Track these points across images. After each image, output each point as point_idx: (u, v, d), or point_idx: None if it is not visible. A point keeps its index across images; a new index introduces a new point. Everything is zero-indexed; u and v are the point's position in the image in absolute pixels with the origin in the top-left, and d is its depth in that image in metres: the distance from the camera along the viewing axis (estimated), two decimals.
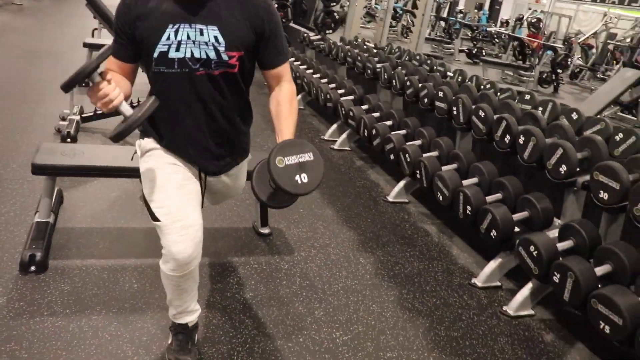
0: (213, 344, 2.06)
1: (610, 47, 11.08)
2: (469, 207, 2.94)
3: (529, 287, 2.64)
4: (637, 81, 6.00)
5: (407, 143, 3.72)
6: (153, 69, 1.63)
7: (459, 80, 4.64)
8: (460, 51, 12.72)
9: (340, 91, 4.89)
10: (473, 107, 3.39)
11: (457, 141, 3.66)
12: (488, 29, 15.63)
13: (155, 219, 1.67)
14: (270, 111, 1.75)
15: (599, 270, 2.32)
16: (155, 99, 1.55)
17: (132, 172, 2.75)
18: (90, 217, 2.85)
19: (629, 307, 2.06)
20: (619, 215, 2.61)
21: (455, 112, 3.53)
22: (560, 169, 2.69)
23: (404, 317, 2.47)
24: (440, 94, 3.67)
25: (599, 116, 4.73)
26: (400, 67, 4.54)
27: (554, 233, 2.75)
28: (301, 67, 5.77)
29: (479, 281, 2.85)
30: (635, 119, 7.64)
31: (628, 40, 10.58)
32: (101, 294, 2.25)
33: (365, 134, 4.21)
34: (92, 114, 4.02)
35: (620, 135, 3.17)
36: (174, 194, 1.70)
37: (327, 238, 3.08)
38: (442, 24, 15.65)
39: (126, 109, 1.51)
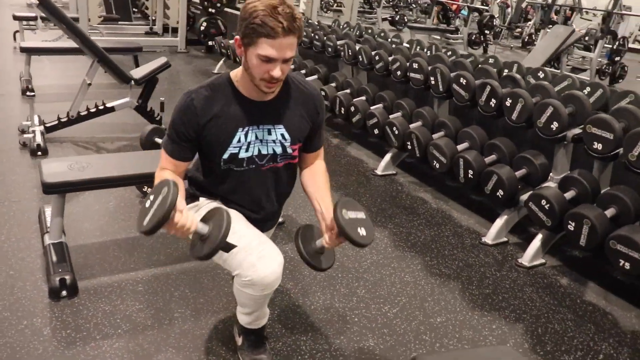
0: (277, 338, 2.07)
1: (524, 4, 11.70)
2: (470, 171, 3.09)
3: (539, 238, 2.83)
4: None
5: (391, 116, 3.81)
6: (221, 167, 1.70)
7: (417, 49, 4.78)
8: (384, 19, 12.95)
9: (303, 71, 4.88)
10: (452, 75, 3.53)
11: (435, 110, 3.79)
12: None
13: (231, 247, 1.57)
14: (304, 183, 1.86)
15: (607, 214, 2.54)
16: (227, 215, 1.48)
17: (151, 178, 2.69)
18: (99, 230, 2.73)
19: None
20: (609, 164, 2.85)
21: (433, 82, 3.65)
22: (552, 126, 2.88)
23: (437, 282, 2.58)
24: (415, 65, 3.77)
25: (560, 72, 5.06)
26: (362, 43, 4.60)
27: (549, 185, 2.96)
28: None
29: (488, 239, 3.02)
30: (558, 71, 8.19)
31: None
32: (145, 307, 2.19)
33: (342, 112, 4.26)
34: (56, 122, 3.78)
35: (588, 89, 3.43)
36: (242, 225, 1.72)
37: None
38: None
39: (201, 227, 1.49)
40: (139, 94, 4.03)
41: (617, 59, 8.19)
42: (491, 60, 4.19)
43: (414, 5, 14.95)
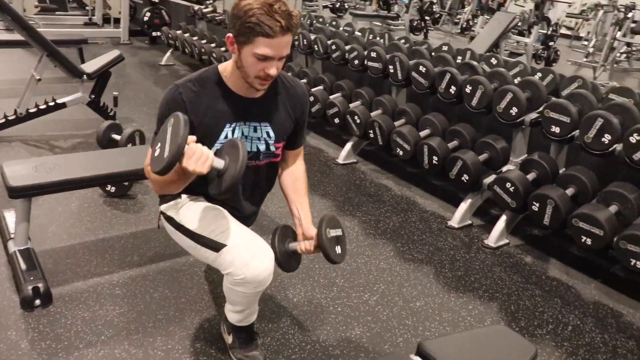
0: (265, 333, 2.08)
1: None
2: (435, 158, 3.17)
3: (503, 219, 2.96)
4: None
5: (351, 105, 3.84)
6: None
7: (370, 37, 4.83)
8: (324, 7, 12.94)
9: None
10: (411, 63, 3.59)
11: (394, 97, 3.86)
12: None
13: (220, 245, 1.62)
14: (283, 184, 1.90)
15: (568, 194, 2.69)
16: (242, 145, 1.49)
17: (125, 176, 2.61)
18: (65, 234, 2.62)
19: (606, 220, 2.43)
20: (565, 146, 3.01)
21: (392, 70, 3.70)
22: (511, 111, 3.00)
23: (411, 268, 2.65)
24: (374, 54, 3.81)
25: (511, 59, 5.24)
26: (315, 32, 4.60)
27: (507, 168, 3.09)
28: (197, 39, 5.54)
29: (454, 223, 3.12)
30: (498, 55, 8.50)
31: None
32: (126, 311, 2.13)
33: None
34: (3, 120, 3.57)
35: (539, 74, 3.60)
36: (229, 221, 1.70)
37: None
38: None
39: (218, 162, 1.48)
40: (91, 88, 3.86)
41: (551, 43, 8.59)
42: (444, 47, 4.30)
43: None
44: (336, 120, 3.91)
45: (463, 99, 3.28)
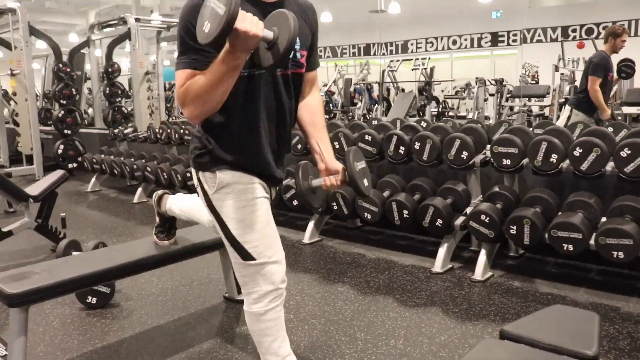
0: None
1: (352, 89, 13.10)
2: (405, 211, 3.34)
3: (483, 253, 3.14)
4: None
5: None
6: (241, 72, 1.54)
7: None
8: None
9: None
10: (355, 135, 3.86)
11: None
12: None
13: (250, 258, 1.67)
14: (301, 117, 1.82)
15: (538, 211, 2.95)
16: (292, 15, 1.41)
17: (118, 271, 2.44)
18: (59, 350, 2.37)
19: (581, 223, 2.70)
20: (516, 176, 3.33)
21: (337, 145, 3.93)
22: (462, 155, 3.30)
23: (419, 310, 2.71)
24: None
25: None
26: None
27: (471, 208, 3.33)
28: (125, 158, 5.50)
29: (438, 268, 3.25)
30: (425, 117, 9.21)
31: (362, 81, 12.75)
32: None
33: None
34: None
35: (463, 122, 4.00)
36: (265, 232, 1.70)
37: (293, 289, 3.09)
38: None
39: (267, 32, 1.39)
40: (37, 212, 3.68)
41: (443, 119, 9.54)
42: (374, 122, 4.66)
43: None
44: (295, 202, 4.00)
45: (412, 156, 3.55)
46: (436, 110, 9.31)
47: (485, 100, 11.71)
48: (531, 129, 3.56)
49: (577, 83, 10.40)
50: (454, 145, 3.32)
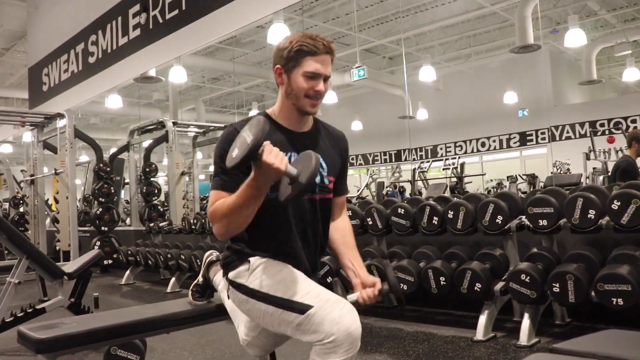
0: None
1: (384, 192, 13.27)
2: (442, 278, 3.23)
3: (526, 317, 2.97)
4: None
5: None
6: (268, 196, 1.62)
7: None
8: None
9: None
10: (388, 210, 3.85)
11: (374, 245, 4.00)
12: None
13: (306, 307, 1.56)
14: (332, 238, 1.88)
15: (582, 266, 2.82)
16: (316, 155, 1.51)
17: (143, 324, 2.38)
18: None
19: (629, 274, 2.55)
20: (554, 237, 3.23)
21: (371, 222, 3.91)
22: (497, 220, 3.24)
23: None
24: (349, 212, 4.05)
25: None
26: None
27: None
28: (160, 249, 5.56)
29: (480, 336, 3.06)
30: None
31: (394, 185, 13.01)
32: None
33: None
34: None
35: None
36: (309, 282, 1.66)
37: None
38: None
39: (291, 168, 1.49)
40: (71, 291, 3.69)
41: None
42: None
43: None
44: (328, 279, 3.92)
45: (446, 226, 3.51)
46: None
47: None
48: None
49: (610, 173, 10.38)
50: (488, 210, 3.28)
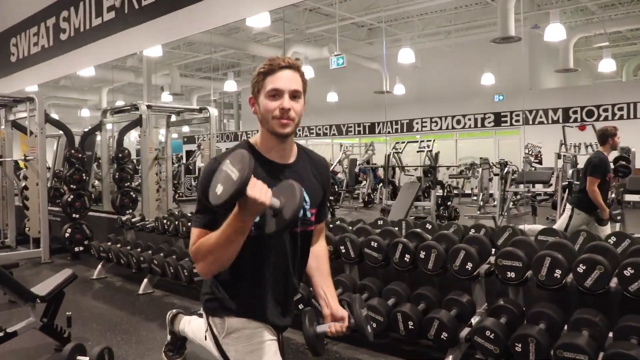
0: None
1: (356, 170, 13.35)
2: (410, 323, 3.33)
3: None
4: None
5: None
6: (252, 232, 1.61)
7: None
8: None
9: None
10: (361, 240, 3.91)
11: (349, 274, 4.08)
12: None
13: None
14: (309, 264, 1.91)
15: (542, 328, 2.94)
16: (299, 187, 1.52)
17: None
18: None
19: (587, 344, 2.68)
20: (520, 288, 3.34)
21: (344, 250, 3.97)
22: (467, 266, 3.34)
23: None
24: None
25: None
26: None
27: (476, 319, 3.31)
28: (131, 249, 5.55)
29: None
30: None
31: (367, 162, 13.02)
32: None
33: None
34: None
35: (473, 230, 4.06)
36: None
37: None
38: (194, 182, 15.98)
39: (274, 200, 1.48)
40: (43, 311, 3.68)
41: (449, 203, 9.61)
42: (380, 222, 4.72)
43: None
44: (300, 306, 3.99)
45: (417, 264, 3.59)
46: (441, 193, 9.42)
47: (490, 180, 11.86)
48: (534, 238, 3.59)
49: (580, 166, 10.64)
50: (459, 256, 3.36)
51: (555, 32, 9.29)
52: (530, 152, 14.34)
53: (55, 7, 7.31)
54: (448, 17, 14.13)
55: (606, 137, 4.91)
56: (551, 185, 9.13)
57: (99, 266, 6.12)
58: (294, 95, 1.67)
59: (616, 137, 4.93)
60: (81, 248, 7.06)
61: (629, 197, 8.38)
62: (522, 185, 9.26)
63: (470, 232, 4.05)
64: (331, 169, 13.38)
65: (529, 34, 13.56)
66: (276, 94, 1.64)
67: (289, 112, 1.65)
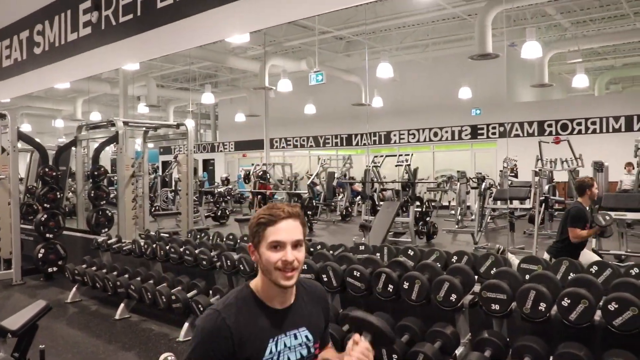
0: None
1: (334, 183, 13.31)
2: (394, 356, 3.30)
3: None
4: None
5: None
6: None
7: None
8: (207, 216, 13.23)
9: (177, 288, 4.78)
10: (344, 267, 3.86)
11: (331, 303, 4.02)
12: (218, 189, 16.56)
13: None
14: None
15: None
16: None
17: None
18: None
19: None
20: (504, 320, 3.34)
21: (326, 279, 3.92)
22: (451, 298, 3.32)
23: None
24: (305, 266, 4.03)
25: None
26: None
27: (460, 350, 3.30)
28: (107, 273, 5.42)
29: None
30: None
31: (344, 175, 13.00)
32: None
33: None
34: None
35: (455, 257, 4.06)
36: None
37: None
38: (170, 194, 15.66)
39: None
40: (15, 346, 3.54)
41: (427, 219, 9.64)
42: (361, 248, 4.68)
43: (228, 197, 15.43)
44: None
45: (400, 294, 3.55)
46: (419, 209, 9.43)
47: (467, 193, 11.96)
48: (516, 268, 3.60)
49: (555, 181, 10.80)
50: (443, 287, 3.34)
51: (531, 49, 9.45)
52: (507, 165, 14.55)
53: (29, 19, 7.14)
54: (425, 31, 14.27)
55: (584, 188, 4.96)
56: (529, 198, 9.23)
57: (74, 289, 5.96)
58: (297, 244, 1.66)
59: (594, 187, 4.97)
60: (55, 269, 6.88)
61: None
62: (499, 202, 9.35)
63: (452, 259, 4.05)
64: (309, 182, 13.44)
65: (506, 50, 13.78)
66: (278, 245, 1.63)
67: (292, 264, 1.64)
